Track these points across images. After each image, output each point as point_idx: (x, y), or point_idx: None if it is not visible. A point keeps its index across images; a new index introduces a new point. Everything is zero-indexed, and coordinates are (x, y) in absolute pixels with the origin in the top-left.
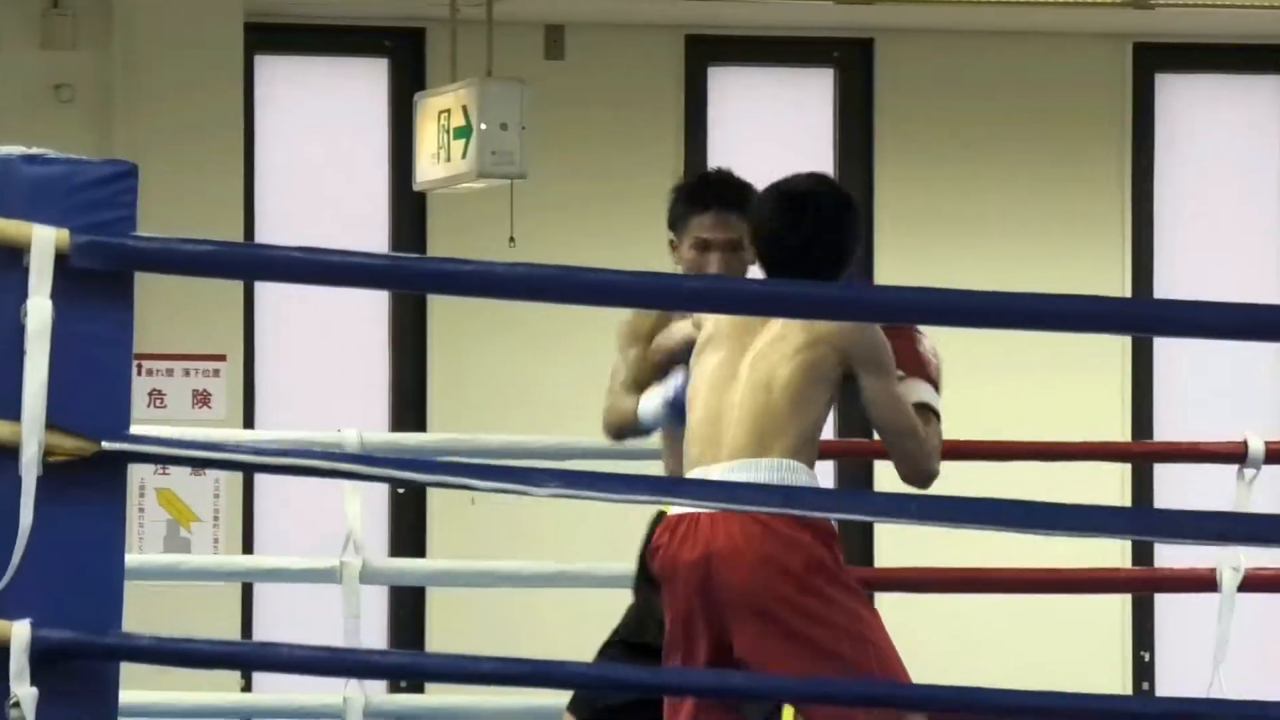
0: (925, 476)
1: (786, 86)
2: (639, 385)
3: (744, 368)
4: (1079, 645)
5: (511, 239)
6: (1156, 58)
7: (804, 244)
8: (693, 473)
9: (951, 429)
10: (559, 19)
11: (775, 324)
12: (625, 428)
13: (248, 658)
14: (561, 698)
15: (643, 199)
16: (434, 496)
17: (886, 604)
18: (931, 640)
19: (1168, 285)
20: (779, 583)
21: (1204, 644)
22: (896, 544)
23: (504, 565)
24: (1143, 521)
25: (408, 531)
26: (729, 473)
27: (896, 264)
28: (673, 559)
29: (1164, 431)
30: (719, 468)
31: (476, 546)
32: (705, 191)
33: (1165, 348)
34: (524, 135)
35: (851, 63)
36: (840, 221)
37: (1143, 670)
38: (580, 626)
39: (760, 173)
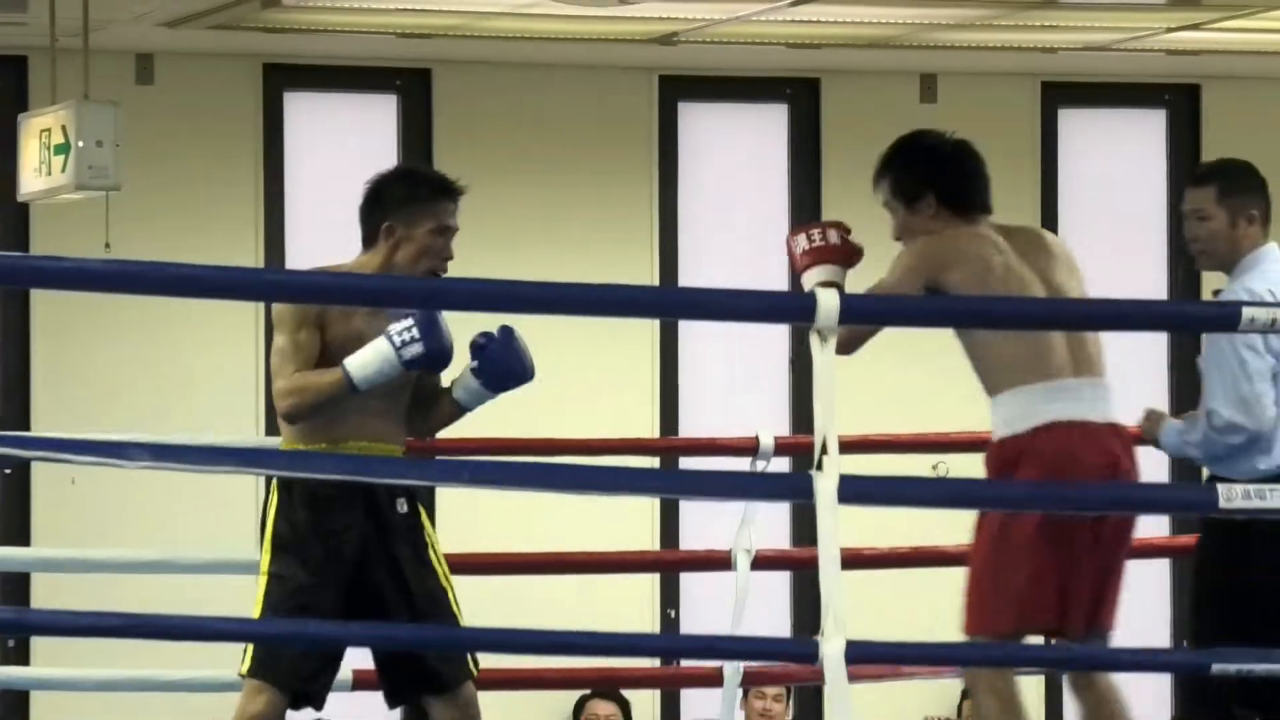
0: None
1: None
2: (311, 365)
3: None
4: (615, 608)
5: (107, 244)
6: (681, 89)
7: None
8: (1069, 382)
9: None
10: (149, 48)
11: (1061, 252)
12: (324, 400)
13: None
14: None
15: (223, 206)
16: (37, 483)
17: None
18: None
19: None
20: None
21: (724, 605)
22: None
23: (106, 553)
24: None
25: (14, 518)
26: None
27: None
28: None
29: (688, 428)
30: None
31: (80, 532)
32: (450, 184)
33: (689, 351)
34: (118, 151)
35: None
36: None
37: (669, 627)
38: (176, 604)
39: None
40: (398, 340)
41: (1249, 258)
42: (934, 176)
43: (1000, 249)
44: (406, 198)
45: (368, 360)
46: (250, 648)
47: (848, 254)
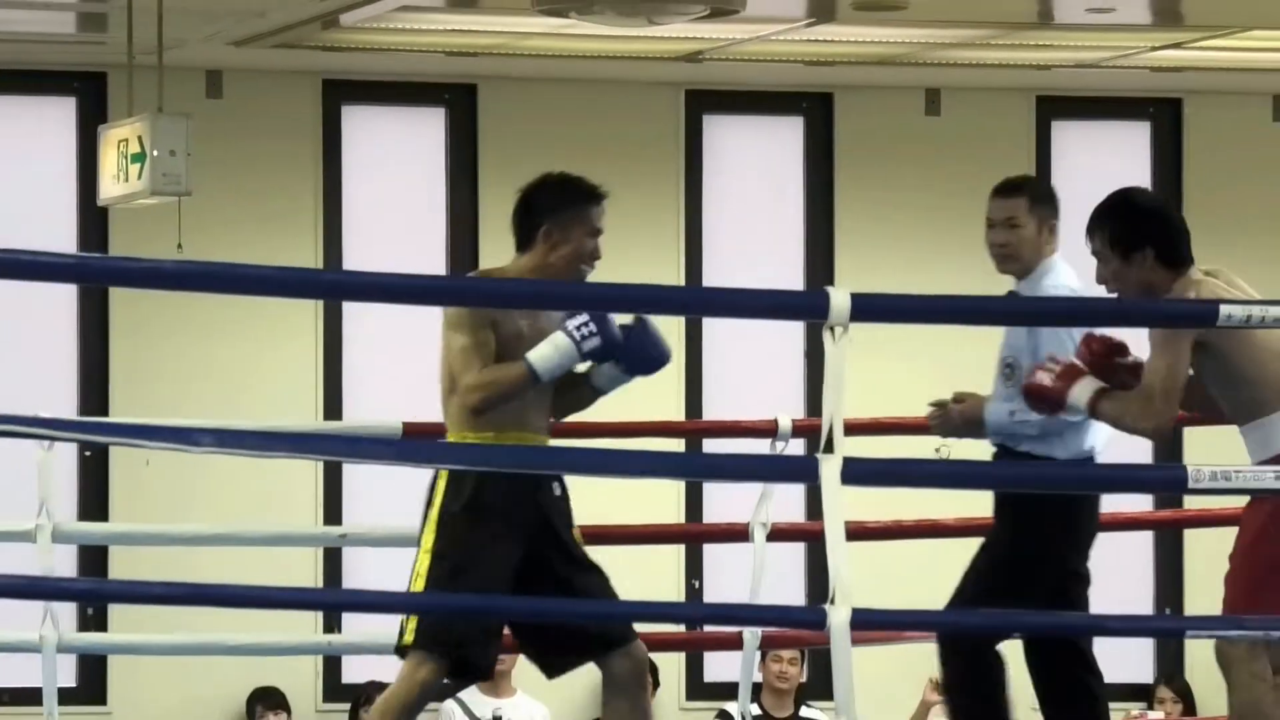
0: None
1: (404, 121)
2: (491, 362)
3: None
4: (644, 578)
5: (180, 245)
6: (706, 103)
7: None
8: None
9: None
10: (218, 65)
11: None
12: (512, 392)
13: None
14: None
15: (285, 210)
16: (114, 465)
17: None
18: None
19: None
20: None
21: (745, 575)
22: None
23: (177, 528)
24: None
25: (93, 498)
26: None
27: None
28: None
29: (711, 413)
30: None
31: (153, 510)
32: (598, 190)
33: (712, 339)
34: (189, 160)
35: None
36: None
37: (693, 595)
38: (240, 576)
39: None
40: (577, 335)
41: (1045, 263)
42: (1153, 233)
43: (1235, 294)
44: (561, 204)
45: (548, 354)
46: (413, 620)
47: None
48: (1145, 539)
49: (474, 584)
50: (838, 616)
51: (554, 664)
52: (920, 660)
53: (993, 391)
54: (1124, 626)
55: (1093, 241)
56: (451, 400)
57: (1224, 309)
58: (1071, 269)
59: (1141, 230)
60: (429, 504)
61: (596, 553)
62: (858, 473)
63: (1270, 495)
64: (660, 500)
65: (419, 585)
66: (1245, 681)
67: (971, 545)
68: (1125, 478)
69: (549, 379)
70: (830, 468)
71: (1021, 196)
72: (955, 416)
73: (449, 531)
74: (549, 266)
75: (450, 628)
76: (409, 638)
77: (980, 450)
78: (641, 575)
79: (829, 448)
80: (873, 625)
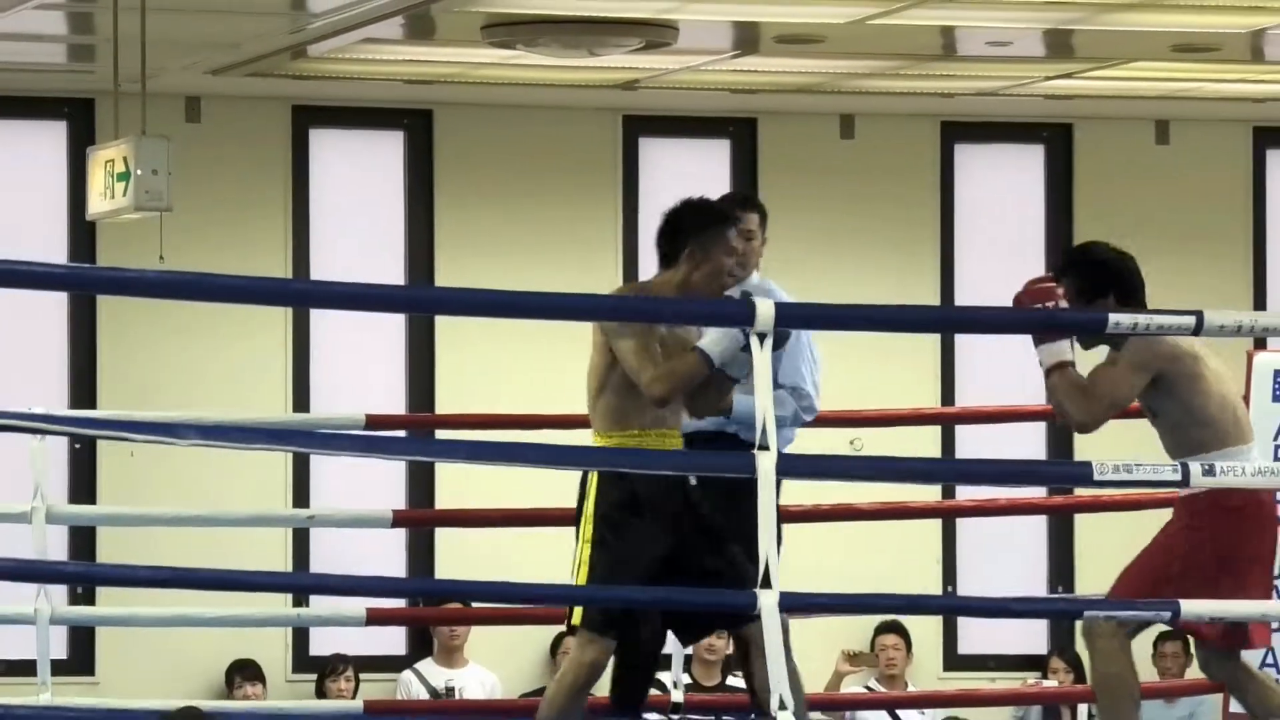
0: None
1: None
2: (659, 359)
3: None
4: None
5: (161, 257)
6: (642, 127)
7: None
8: (1239, 450)
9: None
10: (196, 92)
11: None
12: (692, 378)
13: None
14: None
15: (258, 225)
16: (102, 456)
17: None
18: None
19: None
20: None
21: None
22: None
23: (159, 511)
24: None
25: (83, 486)
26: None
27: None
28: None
29: None
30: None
31: (137, 495)
32: (733, 212)
33: None
34: (170, 179)
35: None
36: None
37: None
38: (220, 560)
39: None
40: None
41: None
42: (1113, 281)
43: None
44: (704, 226)
45: (718, 338)
46: None
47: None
48: (1040, 523)
49: (632, 571)
50: (768, 600)
51: (692, 634)
52: (833, 633)
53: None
54: (1025, 609)
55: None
56: (599, 402)
57: (1112, 318)
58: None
59: (1101, 280)
60: (583, 498)
61: (545, 534)
62: (790, 467)
63: (1199, 494)
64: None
65: (583, 575)
66: (1110, 654)
67: (881, 528)
68: (1036, 472)
69: (720, 363)
70: (766, 462)
71: (756, 212)
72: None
73: (607, 524)
74: (692, 283)
75: (615, 610)
76: (577, 619)
77: (897, 444)
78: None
79: (763, 445)
80: (799, 608)
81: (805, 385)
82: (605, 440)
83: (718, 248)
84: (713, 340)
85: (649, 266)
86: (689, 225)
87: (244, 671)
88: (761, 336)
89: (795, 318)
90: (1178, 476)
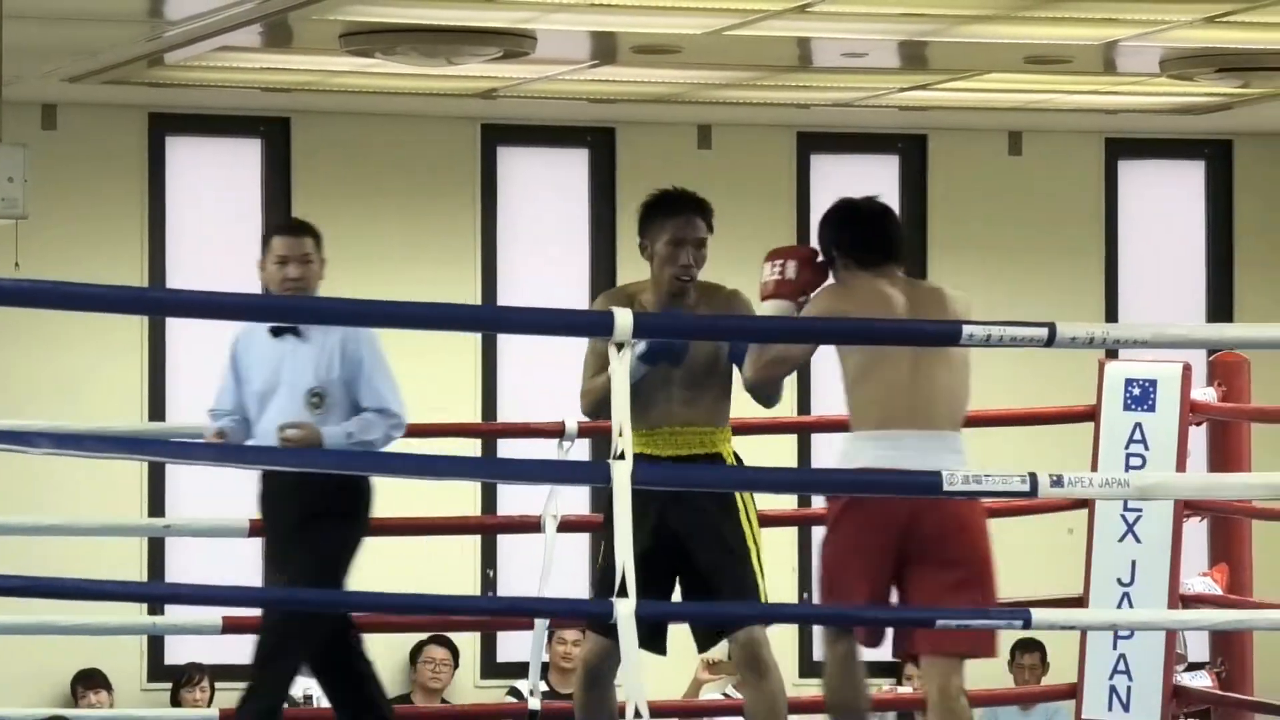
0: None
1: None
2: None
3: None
4: (444, 565)
5: (16, 264)
6: (500, 136)
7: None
8: (896, 435)
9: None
10: (53, 100)
11: (954, 309)
12: (602, 401)
13: None
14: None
15: (114, 232)
16: None
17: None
18: None
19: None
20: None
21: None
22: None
23: (15, 519)
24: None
25: None
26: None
27: None
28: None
29: (506, 414)
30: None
31: None
32: (672, 200)
33: (506, 350)
34: (26, 186)
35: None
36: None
37: (488, 583)
38: (74, 569)
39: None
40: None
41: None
42: (834, 237)
43: (890, 301)
44: (645, 219)
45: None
46: None
47: (801, 287)
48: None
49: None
50: (624, 609)
51: (700, 642)
52: (692, 642)
53: (297, 419)
54: (876, 617)
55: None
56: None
57: (966, 329)
58: None
59: (824, 237)
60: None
61: (398, 544)
62: (646, 476)
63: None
64: (458, 491)
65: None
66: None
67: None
68: (886, 482)
69: (635, 381)
70: (621, 472)
71: (710, 217)
72: (292, 443)
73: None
74: (655, 278)
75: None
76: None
77: (753, 454)
78: (440, 564)
79: (620, 454)
80: (655, 617)
81: (391, 405)
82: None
83: (660, 240)
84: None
85: (507, 275)
86: (639, 221)
87: (87, 681)
88: (619, 346)
89: (654, 328)
90: (1026, 487)
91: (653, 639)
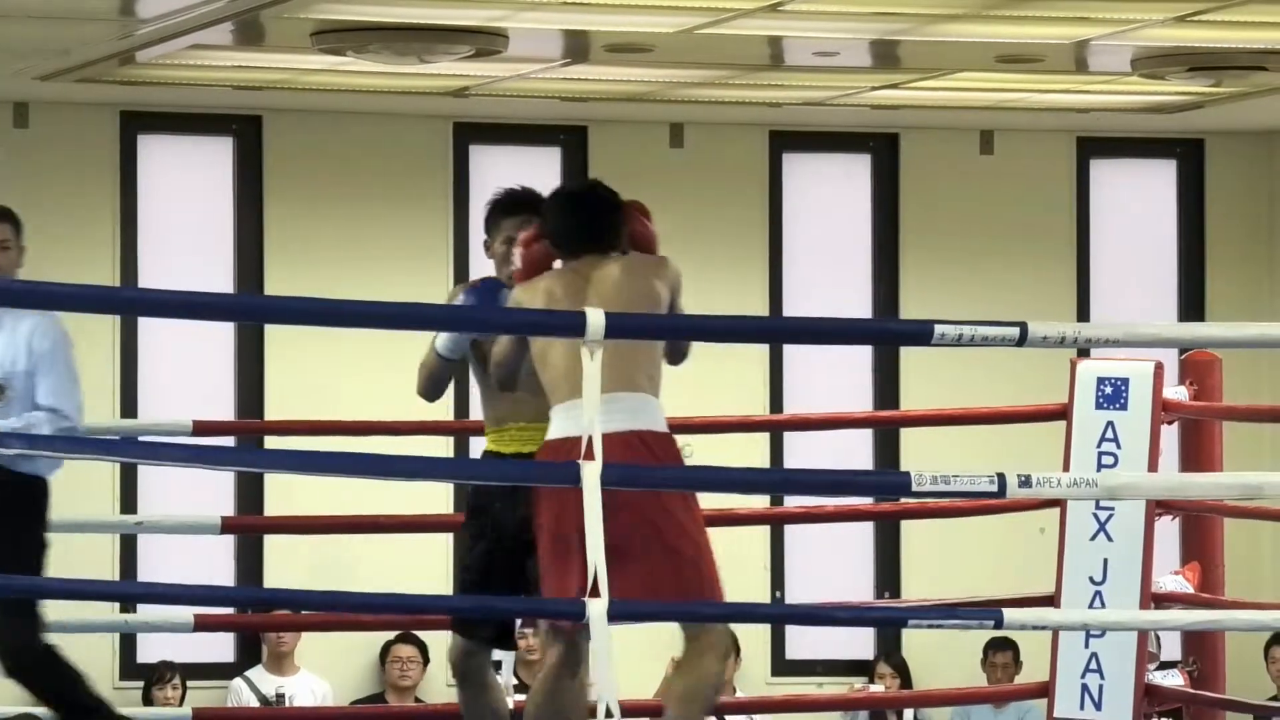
0: None
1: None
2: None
3: None
4: (416, 562)
5: None
6: (472, 134)
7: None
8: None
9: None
10: (25, 98)
11: (628, 293)
12: (436, 376)
13: None
14: None
15: (87, 230)
16: None
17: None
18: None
19: None
20: None
21: None
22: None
23: None
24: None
25: None
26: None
27: None
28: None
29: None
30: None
31: None
32: (499, 200)
33: None
34: None
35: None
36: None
37: None
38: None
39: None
40: None
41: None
42: (546, 226)
43: (553, 293)
44: (489, 216)
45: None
46: None
47: (524, 273)
48: (867, 529)
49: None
50: (596, 608)
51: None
52: (662, 641)
53: None
54: (851, 617)
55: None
56: None
57: (938, 329)
58: None
59: (543, 221)
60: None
61: (373, 540)
62: (617, 476)
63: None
64: (430, 487)
65: None
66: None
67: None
68: (856, 482)
69: (448, 354)
70: (590, 473)
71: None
72: None
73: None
74: (498, 276)
75: None
76: None
77: (727, 450)
78: (414, 561)
79: (589, 454)
80: (626, 617)
81: (63, 406)
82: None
83: (494, 239)
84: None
85: (480, 273)
86: (484, 220)
87: None
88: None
89: (619, 328)
90: (994, 487)
91: (501, 637)
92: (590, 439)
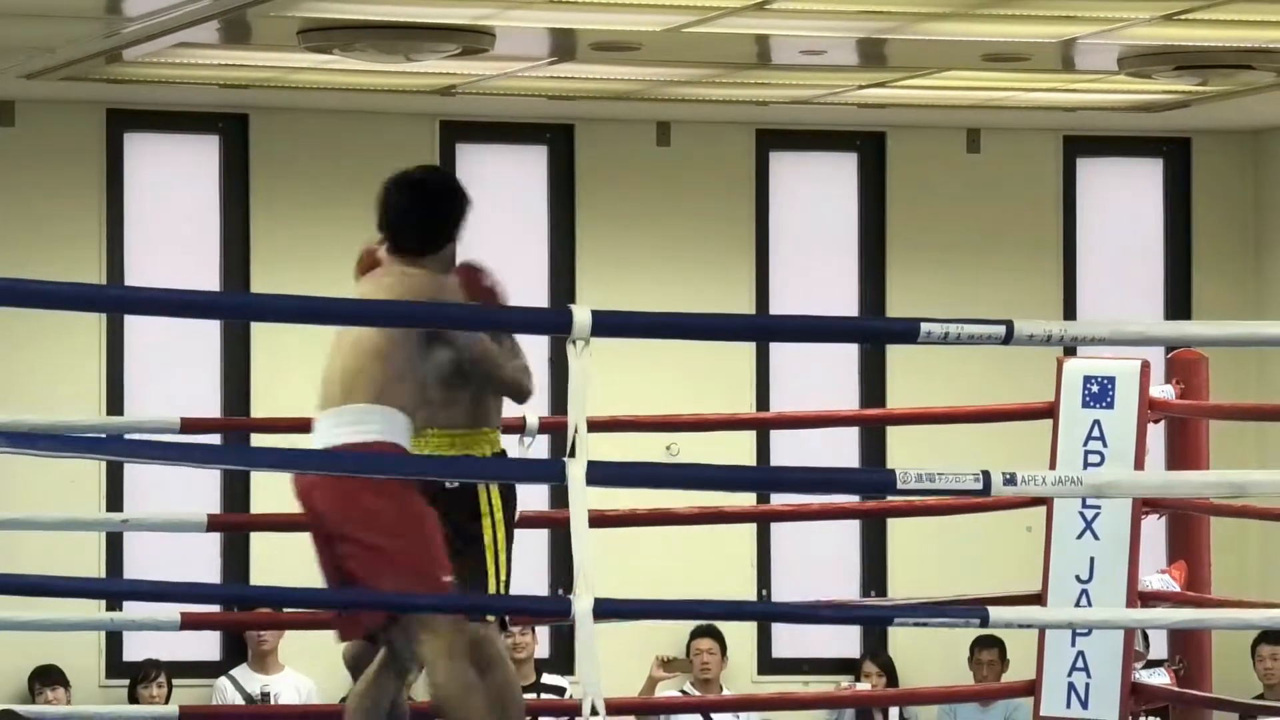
0: None
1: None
2: None
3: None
4: None
5: None
6: (459, 133)
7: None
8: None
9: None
10: (10, 96)
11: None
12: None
13: None
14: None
15: (73, 228)
16: None
17: None
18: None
19: None
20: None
21: None
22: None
23: None
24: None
25: None
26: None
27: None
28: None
29: None
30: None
31: None
32: None
33: None
34: None
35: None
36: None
37: None
38: (32, 563)
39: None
40: None
41: None
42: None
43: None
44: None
45: None
46: None
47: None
48: (853, 527)
49: None
50: (581, 606)
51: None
52: (649, 638)
53: None
54: (837, 615)
55: None
56: None
57: (924, 327)
58: None
59: None
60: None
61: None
62: (600, 475)
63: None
64: None
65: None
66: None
67: (696, 532)
68: (841, 480)
69: None
70: (576, 470)
71: None
72: None
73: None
74: None
75: None
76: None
77: (714, 448)
78: None
79: (573, 452)
80: (612, 615)
81: None
82: None
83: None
84: None
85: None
86: None
87: (44, 678)
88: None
89: (612, 326)
90: (979, 485)
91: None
92: (577, 432)
